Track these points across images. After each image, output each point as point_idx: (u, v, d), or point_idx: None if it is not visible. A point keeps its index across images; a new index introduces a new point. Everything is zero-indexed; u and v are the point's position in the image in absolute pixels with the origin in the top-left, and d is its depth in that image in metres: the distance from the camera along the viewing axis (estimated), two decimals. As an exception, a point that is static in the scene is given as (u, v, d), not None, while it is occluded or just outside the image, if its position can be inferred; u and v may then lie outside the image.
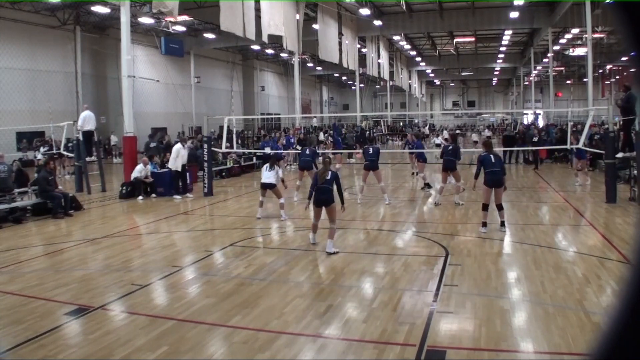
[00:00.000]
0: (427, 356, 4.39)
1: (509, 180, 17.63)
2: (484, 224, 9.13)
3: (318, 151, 15.97)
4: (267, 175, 10.70)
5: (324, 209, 8.12)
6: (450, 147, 12.41)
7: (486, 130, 47.81)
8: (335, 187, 8.06)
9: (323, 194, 7.99)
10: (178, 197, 14.31)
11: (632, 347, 0.56)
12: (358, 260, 7.56)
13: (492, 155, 9.15)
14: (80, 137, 15.46)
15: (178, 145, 14.86)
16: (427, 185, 14.89)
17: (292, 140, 21.74)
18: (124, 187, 14.64)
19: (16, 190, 12.13)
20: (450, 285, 6.25)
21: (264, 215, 11.12)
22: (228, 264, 7.66)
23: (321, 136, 31.80)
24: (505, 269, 7.02)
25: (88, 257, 8.40)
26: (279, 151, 17.65)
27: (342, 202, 8.21)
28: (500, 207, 9.04)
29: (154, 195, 14.72)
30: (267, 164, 10.91)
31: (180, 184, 14.74)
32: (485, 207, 9.07)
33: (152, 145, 18.49)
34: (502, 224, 9.13)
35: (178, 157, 14.37)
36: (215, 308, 5.65)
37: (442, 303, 5.65)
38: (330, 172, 8.11)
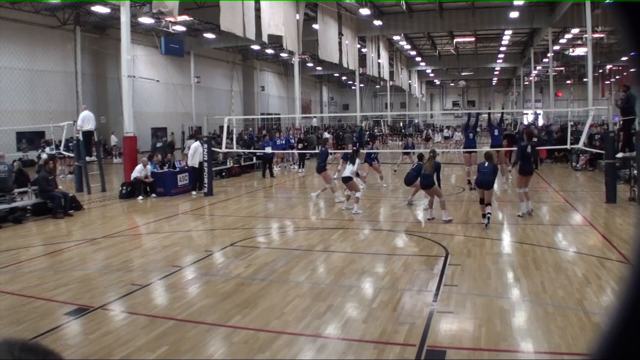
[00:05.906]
0: (427, 356, 4.39)
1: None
2: (484, 216, 9.71)
3: (330, 151, 15.91)
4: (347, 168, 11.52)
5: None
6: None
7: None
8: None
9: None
10: (194, 193, 15.09)
11: (632, 347, 0.56)
12: (358, 260, 7.56)
13: (486, 162, 9.79)
14: (80, 137, 15.49)
15: (196, 143, 15.67)
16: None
17: (292, 141, 21.74)
18: (124, 187, 14.65)
19: (16, 190, 12.12)
20: (450, 285, 6.25)
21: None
22: (228, 264, 7.66)
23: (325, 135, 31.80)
24: (505, 269, 7.01)
25: (88, 257, 8.39)
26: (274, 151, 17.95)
27: None
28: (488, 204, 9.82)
29: (153, 195, 14.73)
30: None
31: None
32: (481, 201, 9.90)
33: (159, 145, 19.17)
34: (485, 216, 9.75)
35: (196, 154, 15.17)
36: (215, 308, 5.65)
37: (442, 303, 5.65)
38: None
